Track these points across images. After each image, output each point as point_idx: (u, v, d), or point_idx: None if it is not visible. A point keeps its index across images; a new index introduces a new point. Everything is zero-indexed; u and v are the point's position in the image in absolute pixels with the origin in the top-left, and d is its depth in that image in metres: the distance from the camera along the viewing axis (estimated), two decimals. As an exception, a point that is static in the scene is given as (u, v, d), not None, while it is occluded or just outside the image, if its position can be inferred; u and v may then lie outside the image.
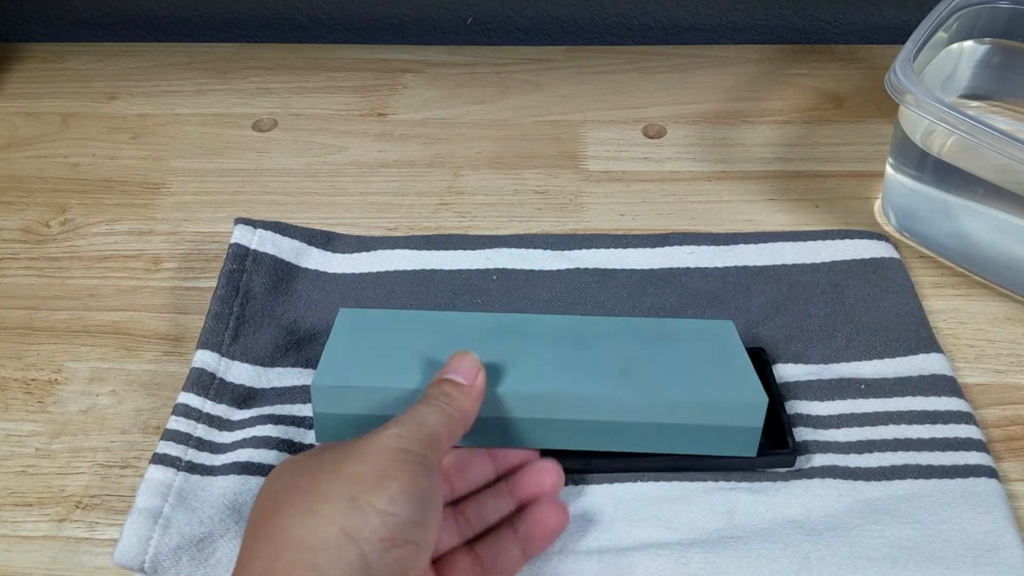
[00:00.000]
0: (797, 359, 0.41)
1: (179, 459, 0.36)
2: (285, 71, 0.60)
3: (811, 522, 0.35)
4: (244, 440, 0.37)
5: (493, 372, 0.35)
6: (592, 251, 0.46)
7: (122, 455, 0.39)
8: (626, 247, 0.46)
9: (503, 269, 0.45)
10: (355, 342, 0.37)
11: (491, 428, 0.36)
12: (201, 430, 0.38)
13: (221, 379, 0.40)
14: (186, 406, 0.38)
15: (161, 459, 0.36)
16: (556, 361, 0.36)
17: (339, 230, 0.48)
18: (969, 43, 0.48)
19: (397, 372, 0.35)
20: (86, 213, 0.50)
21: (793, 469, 0.37)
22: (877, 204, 0.50)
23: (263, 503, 0.29)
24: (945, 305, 0.44)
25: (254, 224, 0.46)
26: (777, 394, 0.39)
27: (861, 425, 0.38)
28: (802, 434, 0.38)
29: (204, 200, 0.51)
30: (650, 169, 0.53)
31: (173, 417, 0.38)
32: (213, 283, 0.44)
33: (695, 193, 0.51)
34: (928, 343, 0.41)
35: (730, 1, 0.62)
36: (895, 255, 0.46)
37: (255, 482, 0.36)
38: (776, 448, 0.37)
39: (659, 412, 0.35)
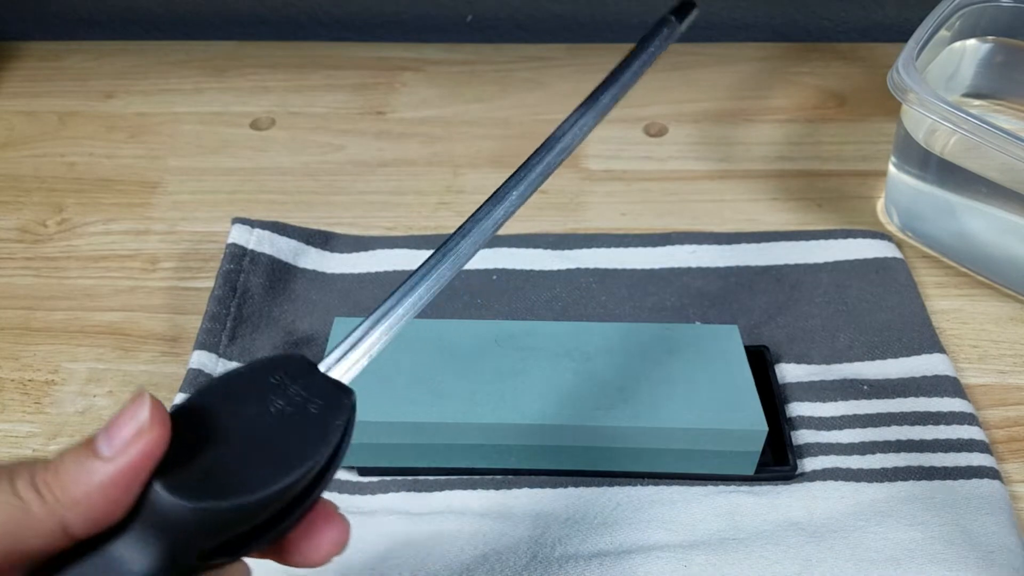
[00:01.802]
0: (799, 360, 0.41)
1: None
2: (283, 69, 0.60)
3: (813, 524, 0.35)
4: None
5: (490, 397, 0.35)
6: (593, 251, 0.46)
7: (119, 457, 0.38)
8: (627, 247, 0.46)
9: (503, 269, 0.45)
10: None
11: (489, 454, 0.36)
12: (198, 432, 0.37)
13: (218, 380, 0.39)
14: (183, 407, 0.38)
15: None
16: (555, 386, 0.36)
17: (337, 230, 0.47)
18: (972, 41, 0.48)
19: (393, 404, 0.35)
20: (83, 212, 0.50)
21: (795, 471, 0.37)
22: (880, 203, 0.49)
23: None
24: (948, 305, 0.44)
25: (251, 224, 0.45)
26: (779, 397, 0.38)
27: (864, 426, 0.38)
28: (804, 436, 0.38)
29: (201, 199, 0.50)
30: (651, 168, 0.52)
31: (170, 419, 0.37)
32: (210, 283, 0.44)
33: (697, 192, 0.51)
34: (931, 344, 0.41)
35: (731, -1, 0.62)
36: (898, 255, 0.45)
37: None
38: (776, 462, 0.37)
39: (658, 438, 0.35)
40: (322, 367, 0.23)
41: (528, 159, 0.26)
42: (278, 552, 0.23)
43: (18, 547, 0.20)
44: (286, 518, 0.22)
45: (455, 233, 0.25)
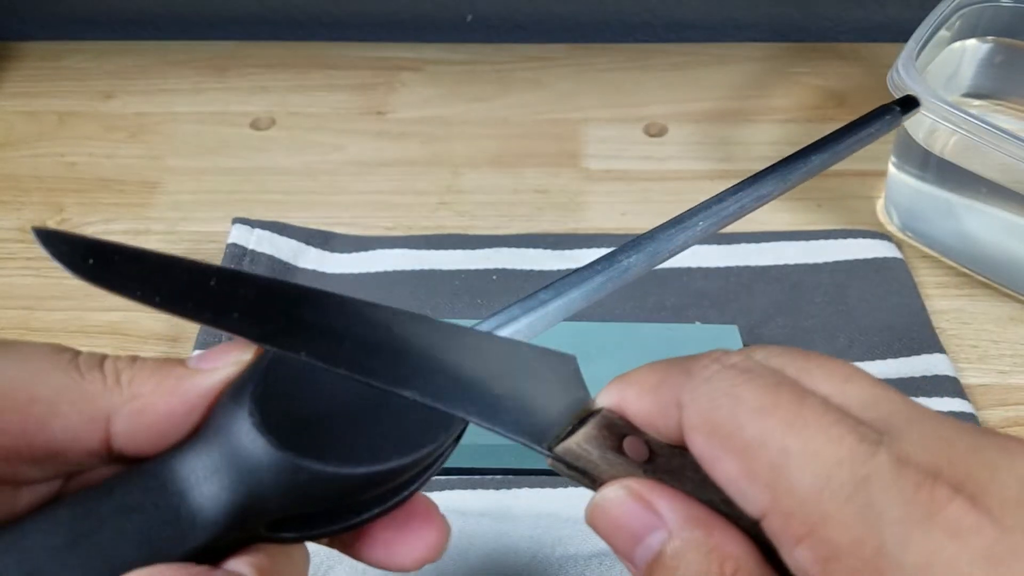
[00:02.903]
0: (799, 360, 0.41)
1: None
2: (283, 69, 0.60)
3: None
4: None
5: None
6: (593, 251, 0.46)
7: (119, 457, 0.38)
8: (627, 247, 0.46)
9: (503, 269, 0.45)
10: None
11: (489, 453, 0.36)
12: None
13: (218, 380, 0.39)
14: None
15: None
16: None
17: (337, 230, 0.47)
18: (972, 41, 0.48)
19: None
20: (83, 212, 0.50)
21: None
22: (880, 203, 0.49)
23: None
24: (948, 305, 0.44)
25: (251, 224, 0.45)
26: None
27: (864, 427, 0.38)
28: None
29: (201, 199, 0.50)
30: (651, 168, 0.52)
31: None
32: (211, 283, 0.44)
33: (697, 192, 0.50)
34: (931, 344, 0.41)
35: (731, -2, 0.62)
36: (898, 255, 0.45)
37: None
38: None
39: None
40: None
41: (721, 193, 0.25)
42: (357, 545, 0.20)
43: (43, 430, 0.17)
44: (380, 504, 0.19)
45: (628, 245, 0.23)
